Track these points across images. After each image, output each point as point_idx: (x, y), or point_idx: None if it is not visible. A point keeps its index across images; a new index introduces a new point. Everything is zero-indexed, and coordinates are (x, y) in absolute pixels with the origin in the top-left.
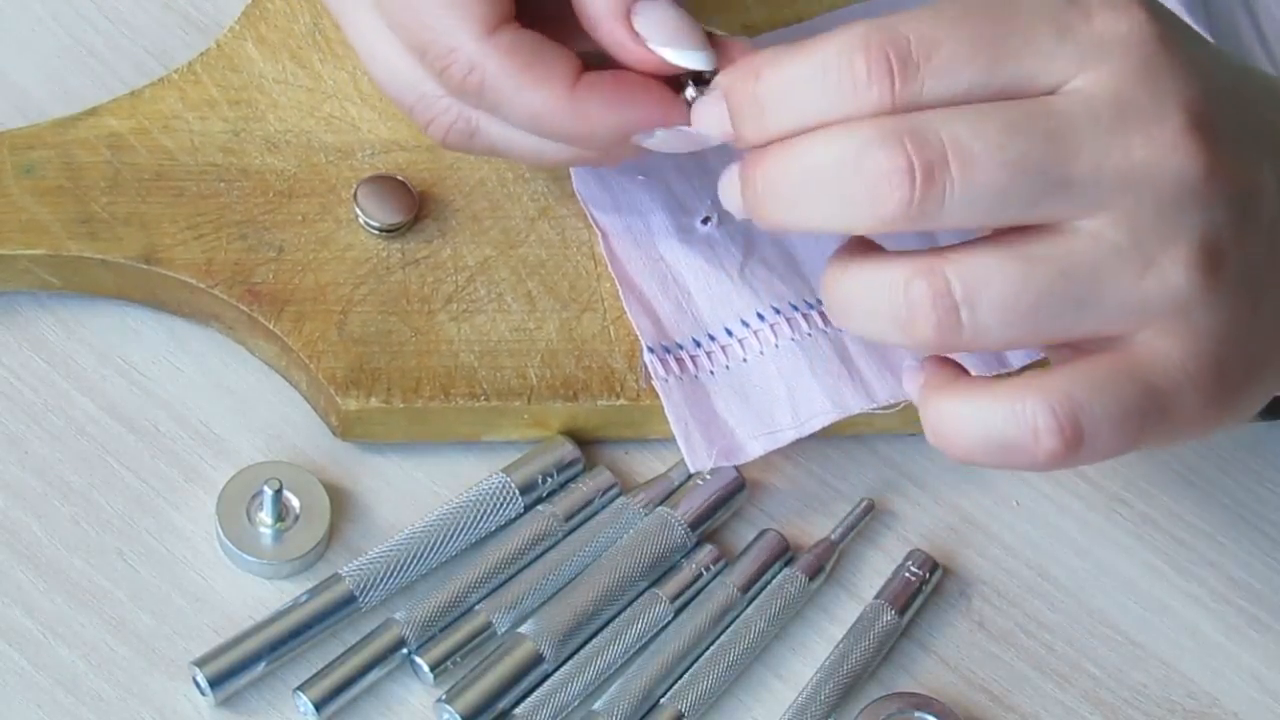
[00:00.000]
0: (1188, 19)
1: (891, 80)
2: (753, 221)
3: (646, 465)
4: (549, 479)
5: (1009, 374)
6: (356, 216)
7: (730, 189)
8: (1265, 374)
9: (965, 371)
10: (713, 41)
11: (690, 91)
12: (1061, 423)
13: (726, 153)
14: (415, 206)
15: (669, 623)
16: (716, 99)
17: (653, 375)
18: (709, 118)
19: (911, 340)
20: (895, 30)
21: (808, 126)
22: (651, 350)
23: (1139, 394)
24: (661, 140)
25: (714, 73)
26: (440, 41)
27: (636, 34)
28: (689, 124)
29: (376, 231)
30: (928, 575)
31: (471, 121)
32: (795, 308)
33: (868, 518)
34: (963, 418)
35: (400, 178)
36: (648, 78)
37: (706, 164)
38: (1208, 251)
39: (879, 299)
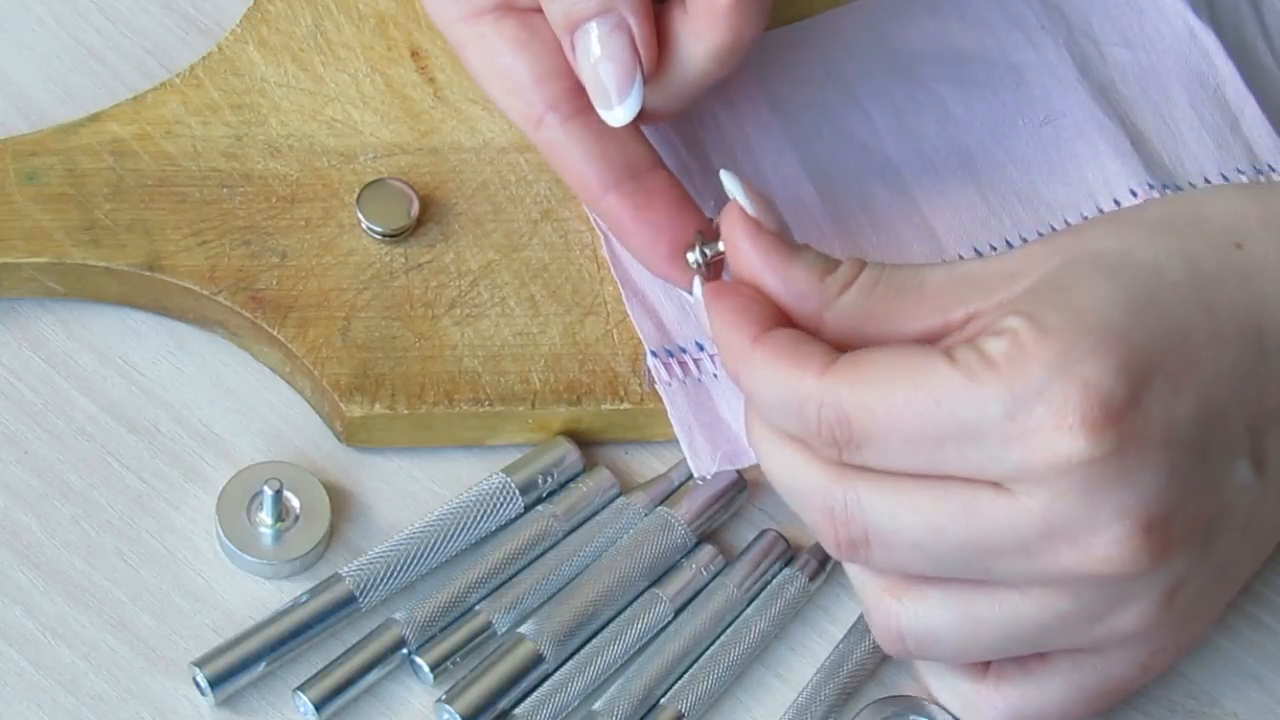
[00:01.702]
0: (1191, 16)
1: (837, 448)
2: None
3: (646, 465)
4: (549, 479)
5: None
6: (359, 221)
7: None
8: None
9: None
10: (724, 214)
11: (697, 256)
12: None
13: (728, 152)
14: (418, 211)
15: (669, 623)
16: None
17: (656, 379)
18: (705, 320)
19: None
20: (840, 410)
21: (780, 426)
22: (655, 353)
23: (1088, 700)
24: None
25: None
26: (507, 116)
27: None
28: (684, 287)
29: (379, 236)
30: None
31: None
32: None
33: None
34: (936, 677)
35: (402, 182)
36: (684, 210)
37: (709, 164)
38: (1165, 597)
39: (853, 583)
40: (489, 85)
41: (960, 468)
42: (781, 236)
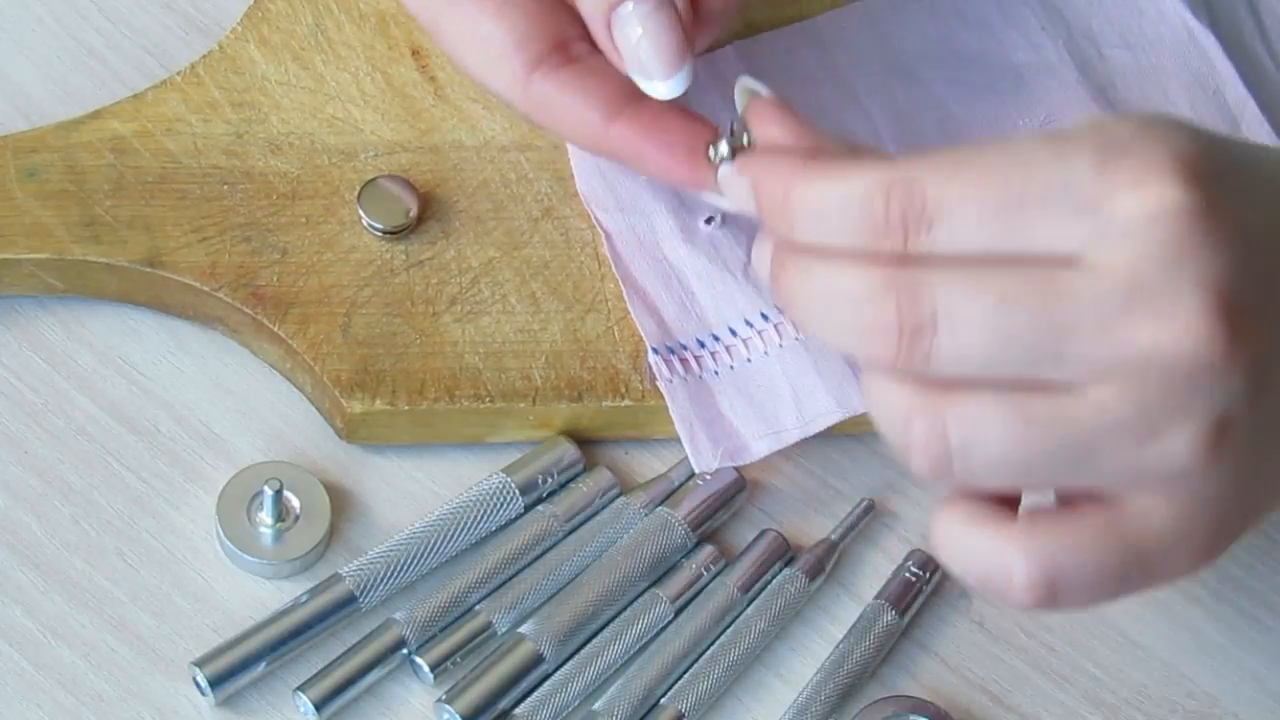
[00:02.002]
0: (1190, 18)
1: (905, 233)
2: None
3: (646, 465)
4: (549, 479)
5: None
6: (360, 218)
7: (760, 266)
8: (1261, 516)
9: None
10: (751, 104)
11: (722, 149)
12: (1036, 582)
13: None
14: (418, 208)
15: (669, 623)
16: (743, 180)
17: (657, 376)
18: (737, 190)
19: (910, 465)
20: (914, 184)
21: (829, 248)
22: (656, 351)
23: (1124, 560)
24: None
25: (744, 130)
26: (489, 86)
27: (614, 44)
28: (711, 188)
29: (380, 233)
30: (928, 575)
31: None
32: None
33: (868, 518)
34: (954, 537)
35: (403, 179)
36: (692, 119)
37: None
38: (1217, 427)
39: (888, 422)
40: (470, 57)
41: (1040, 237)
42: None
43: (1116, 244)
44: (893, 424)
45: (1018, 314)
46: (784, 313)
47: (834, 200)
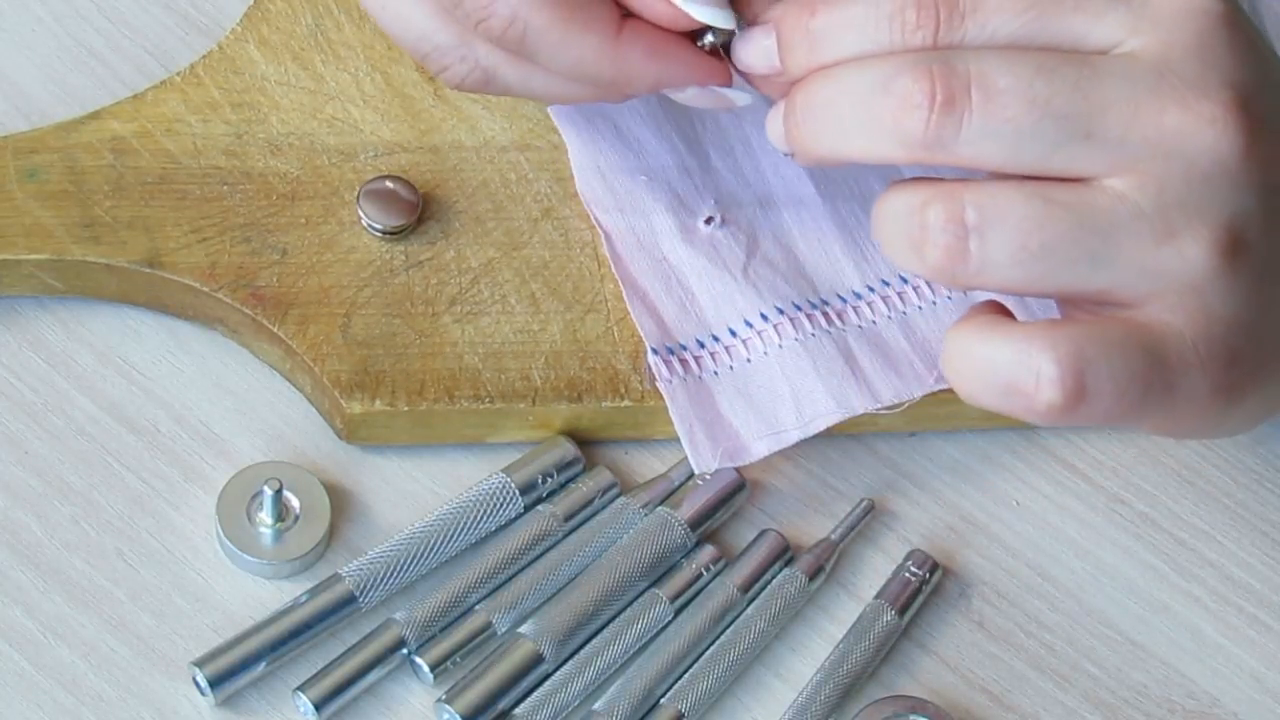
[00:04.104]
0: None
1: (936, 27)
2: (793, 156)
3: (646, 465)
4: (549, 479)
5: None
6: (360, 219)
7: (774, 121)
8: (1274, 378)
9: (1008, 315)
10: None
11: (709, 38)
12: (1065, 374)
13: (728, 151)
14: (418, 208)
15: (669, 623)
16: (765, 32)
17: (657, 376)
18: (754, 50)
19: (921, 264)
20: None
21: (855, 57)
22: (655, 351)
23: (1147, 363)
24: (693, 96)
25: (731, 33)
26: None
27: None
28: (725, 84)
29: (380, 234)
30: (928, 575)
31: (488, 70)
32: (798, 307)
33: (868, 518)
34: (972, 354)
35: (403, 179)
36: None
37: (709, 163)
38: (1231, 235)
39: (900, 219)
40: None
41: (1074, 27)
42: None
43: (1150, 31)
44: (906, 215)
45: (1054, 84)
46: (800, 133)
47: (859, 12)
